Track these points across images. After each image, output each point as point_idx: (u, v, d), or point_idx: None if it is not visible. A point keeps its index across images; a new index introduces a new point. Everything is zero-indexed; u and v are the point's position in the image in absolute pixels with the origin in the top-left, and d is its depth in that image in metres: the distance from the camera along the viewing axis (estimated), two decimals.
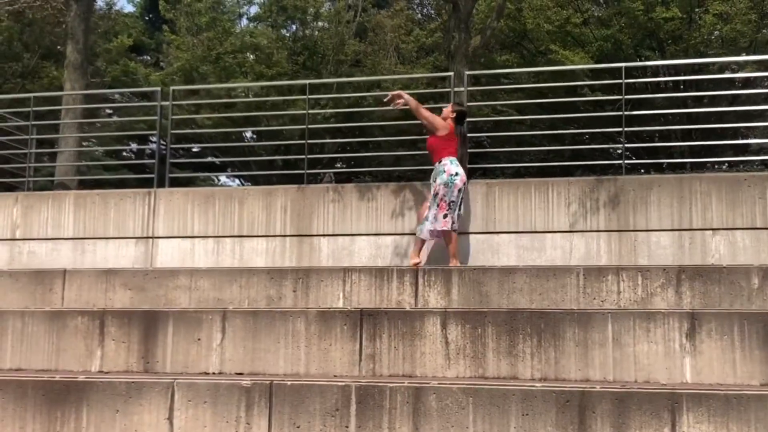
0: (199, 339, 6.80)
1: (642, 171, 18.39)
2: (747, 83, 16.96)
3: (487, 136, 16.92)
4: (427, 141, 9.13)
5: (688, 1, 18.29)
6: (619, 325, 6.29)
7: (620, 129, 9.70)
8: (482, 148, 15.69)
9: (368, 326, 6.64)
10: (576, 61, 17.51)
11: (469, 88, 10.28)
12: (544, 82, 15.43)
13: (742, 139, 19.44)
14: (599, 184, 9.13)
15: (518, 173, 17.70)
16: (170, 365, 6.77)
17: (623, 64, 10.15)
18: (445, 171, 8.73)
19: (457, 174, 8.71)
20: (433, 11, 27.16)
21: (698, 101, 15.03)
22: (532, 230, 9.20)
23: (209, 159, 20.09)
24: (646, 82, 16.49)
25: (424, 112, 9.04)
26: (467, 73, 10.37)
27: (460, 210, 8.85)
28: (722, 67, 17.02)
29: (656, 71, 18.23)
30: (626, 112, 9.62)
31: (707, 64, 14.57)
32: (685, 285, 7.20)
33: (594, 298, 7.33)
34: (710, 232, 8.77)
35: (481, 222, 9.32)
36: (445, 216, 8.65)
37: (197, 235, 9.99)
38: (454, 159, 8.84)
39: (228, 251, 9.87)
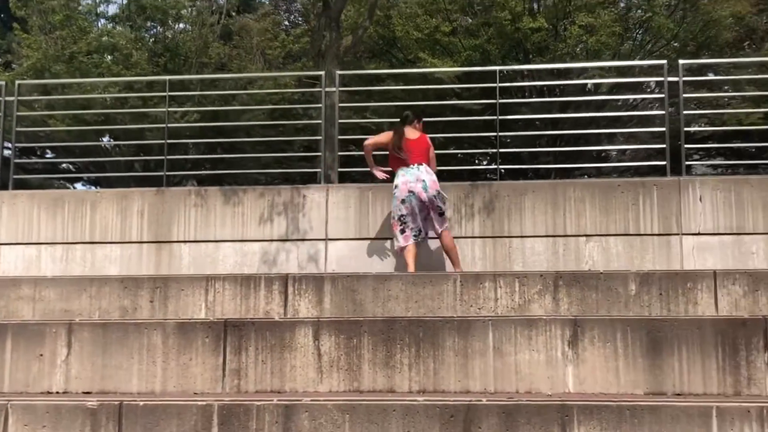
0: (41, 354, 6.09)
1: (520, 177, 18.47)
2: (611, 90, 17.28)
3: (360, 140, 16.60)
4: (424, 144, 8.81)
5: (554, 12, 18.52)
6: (501, 332, 6.00)
7: (494, 134, 9.51)
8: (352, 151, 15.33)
9: (233, 338, 6.11)
10: (447, 74, 17.40)
11: (341, 89, 9.88)
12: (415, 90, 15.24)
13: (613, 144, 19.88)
14: (474, 189, 8.89)
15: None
16: (8, 384, 6.04)
17: (497, 68, 9.99)
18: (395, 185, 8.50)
19: (396, 186, 8.43)
20: (300, 18, 26.73)
21: (566, 108, 15.16)
22: None
23: (60, 161, 18.99)
24: (518, 87, 16.55)
25: (370, 141, 8.88)
26: (339, 72, 9.98)
27: (422, 219, 8.44)
28: (586, 74, 17.29)
29: (528, 77, 18.37)
30: (500, 117, 9.45)
31: (575, 70, 14.73)
32: (562, 291, 6.99)
33: (471, 306, 7.03)
34: (584, 238, 8.66)
35: (354, 228, 8.92)
36: (402, 231, 8.36)
37: (44, 242, 9.17)
38: (400, 170, 8.52)
39: (78, 259, 9.11)
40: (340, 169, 9.93)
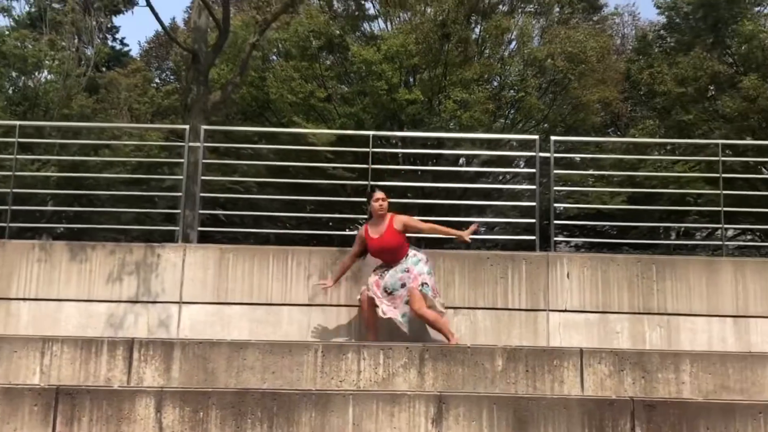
0: None
1: None
2: (484, 164, 17.51)
3: (226, 199, 16.08)
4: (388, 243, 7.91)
5: (429, 86, 18.69)
6: (361, 408, 5.62)
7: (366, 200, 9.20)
8: (217, 210, 14.83)
9: (65, 407, 5.50)
10: (319, 136, 17.24)
11: (206, 144, 9.42)
12: (288, 151, 14.92)
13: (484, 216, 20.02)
14: (342, 255, 8.53)
15: (263, 242, 16.93)
16: None
17: (371, 132, 9.75)
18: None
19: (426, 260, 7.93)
20: (172, 77, 26.21)
21: (439, 179, 15.17)
22: (269, 302, 8.38)
23: None
24: (391, 154, 16.49)
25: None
26: (204, 127, 9.52)
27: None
28: (460, 147, 17.43)
29: (401, 144, 18.39)
30: (372, 183, 9.17)
31: (449, 141, 14.75)
32: (428, 365, 6.68)
33: (332, 378, 6.62)
34: (452, 310, 8.39)
35: (212, 292, 8.38)
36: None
37: None
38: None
39: None
40: (200, 228, 9.41)
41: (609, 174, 17.61)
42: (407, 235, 7.93)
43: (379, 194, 7.99)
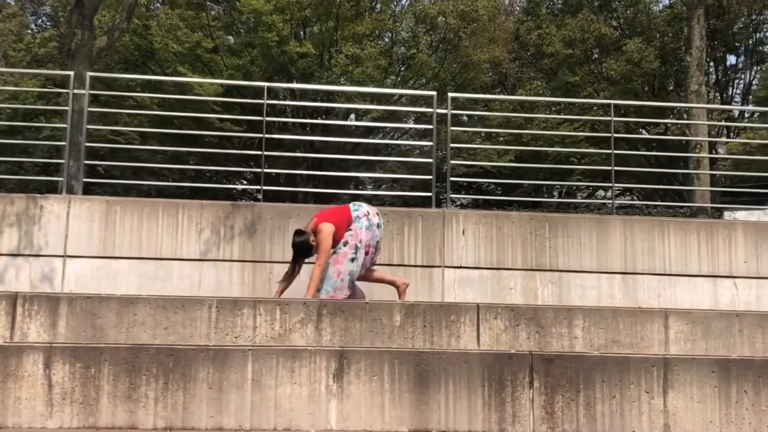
0: None
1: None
2: (380, 118, 17.40)
3: (111, 148, 15.49)
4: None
5: (321, 39, 18.41)
6: (261, 364, 5.48)
7: (260, 152, 8.99)
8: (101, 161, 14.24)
9: None
10: (206, 87, 16.74)
11: (91, 92, 8.98)
12: (174, 102, 14.45)
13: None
14: (236, 209, 8.31)
15: (146, 196, 16.43)
16: None
17: (265, 84, 9.46)
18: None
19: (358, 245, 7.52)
20: (49, 23, 24.97)
21: (329, 133, 15.04)
22: (158, 257, 8.11)
23: None
24: (285, 107, 16.20)
25: (320, 265, 7.41)
26: (90, 74, 9.05)
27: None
28: (350, 101, 17.26)
29: (291, 97, 18.07)
30: (267, 135, 8.96)
31: (344, 94, 14.58)
32: (326, 321, 6.57)
33: (227, 334, 6.44)
34: None
35: (98, 245, 8.05)
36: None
37: None
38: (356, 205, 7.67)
39: None
40: (85, 180, 8.99)
41: (499, 132, 17.83)
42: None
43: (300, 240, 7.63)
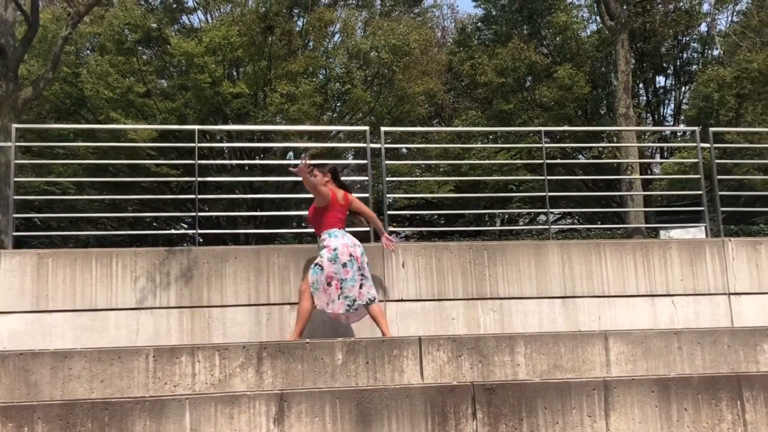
0: None
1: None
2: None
3: (42, 202, 15.22)
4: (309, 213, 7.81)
5: (254, 79, 18.39)
6: (199, 412, 5.37)
7: (193, 196, 8.89)
8: (32, 212, 14.01)
9: None
10: (140, 132, 16.60)
11: (18, 143, 8.81)
12: (108, 149, 14.28)
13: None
14: (171, 255, 8.18)
15: (83, 246, 16.16)
16: None
17: (196, 127, 9.39)
18: (325, 247, 7.48)
19: (335, 249, 7.46)
20: None
21: (269, 173, 14.98)
22: (93, 308, 7.93)
23: None
24: (218, 148, 16.11)
25: (312, 180, 7.51)
26: (15, 126, 8.88)
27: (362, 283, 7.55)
28: (290, 140, 17.24)
29: (227, 138, 17.99)
30: (200, 179, 8.87)
31: (278, 133, 14.55)
32: (266, 363, 6.48)
33: (166, 383, 6.31)
34: (288, 306, 8.24)
35: (30, 299, 7.85)
36: (339, 297, 7.46)
37: None
38: (335, 230, 7.62)
39: None
40: (15, 233, 8.79)
41: (437, 163, 17.95)
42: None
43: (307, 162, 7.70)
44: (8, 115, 9.57)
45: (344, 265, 7.56)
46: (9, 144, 8.67)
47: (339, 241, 7.62)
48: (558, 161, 12.46)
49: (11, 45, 10.14)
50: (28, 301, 7.85)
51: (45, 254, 8.03)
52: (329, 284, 7.53)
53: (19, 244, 8.80)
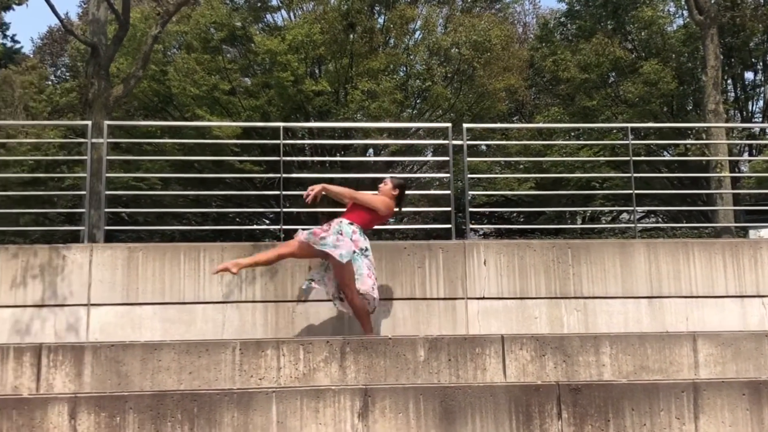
0: None
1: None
2: (397, 152, 17.46)
3: (130, 197, 15.63)
4: (361, 216, 7.72)
5: (336, 77, 18.53)
6: (285, 405, 5.46)
7: (277, 192, 9.02)
8: (124, 207, 14.42)
9: None
10: (224, 129, 16.91)
11: (110, 140, 9.06)
12: (194, 145, 14.56)
13: None
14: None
15: (169, 241, 16.54)
16: None
17: (281, 124, 9.52)
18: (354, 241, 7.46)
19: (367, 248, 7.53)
20: (68, 73, 25.37)
21: (347, 169, 15.07)
22: (181, 301, 8.12)
23: None
24: (302, 145, 16.28)
25: (362, 196, 7.62)
26: (107, 123, 9.15)
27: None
28: (371, 136, 17.34)
29: (308, 135, 18.18)
30: (285, 175, 9.00)
31: (360, 130, 14.64)
32: (349, 358, 6.54)
33: (251, 376, 6.42)
34: None
35: (121, 292, 8.07)
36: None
37: None
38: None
39: None
40: (107, 227, 9.04)
41: (517, 160, 17.83)
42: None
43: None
44: (100, 112, 9.85)
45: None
46: (102, 140, 8.92)
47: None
48: (644, 158, 12.21)
49: (103, 44, 10.45)
50: (119, 294, 8.07)
51: (135, 248, 8.25)
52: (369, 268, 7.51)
53: (108, 238, 9.05)
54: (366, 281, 7.42)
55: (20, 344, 6.62)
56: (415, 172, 20.10)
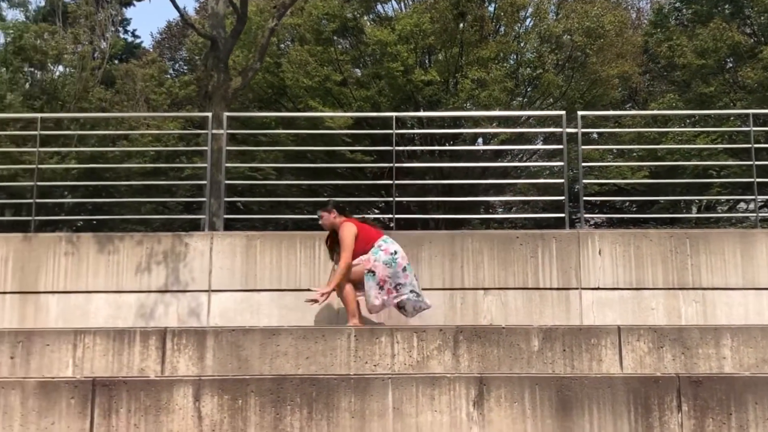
0: None
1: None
2: (509, 141, 17.32)
3: (246, 186, 16.02)
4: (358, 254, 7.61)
5: (446, 66, 18.52)
6: (401, 392, 5.54)
7: (390, 182, 9.10)
8: (239, 197, 14.82)
9: (102, 399, 5.44)
10: (336, 119, 17.15)
11: (229, 131, 9.32)
12: (306, 136, 14.83)
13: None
14: None
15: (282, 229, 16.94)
16: None
17: (393, 114, 9.60)
18: (382, 250, 7.55)
19: (395, 252, 7.57)
20: (186, 67, 26.13)
21: (460, 158, 15.08)
22: (297, 288, 8.30)
23: None
24: (413, 135, 16.36)
25: (347, 259, 7.52)
26: (227, 114, 9.42)
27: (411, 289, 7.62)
28: (482, 126, 17.28)
29: (418, 125, 18.24)
30: (397, 164, 9.07)
31: (471, 119, 14.61)
32: (462, 347, 6.57)
33: (366, 362, 6.53)
34: (482, 291, 8.30)
35: (240, 279, 8.31)
36: (395, 298, 7.53)
37: None
38: (386, 238, 7.70)
39: None
40: (226, 216, 9.31)
41: (631, 148, 17.45)
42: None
43: (319, 214, 7.89)
44: (219, 104, 10.15)
45: (404, 269, 7.53)
46: (221, 131, 9.19)
47: (395, 246, 7.62)
48: (766, 145, 11.83)
49: (222, 37, 10.75)
50: (238, 281, 8.31)
51: (253, 236, 8.48)
52: (381, 288, 7.48)
53: (228, 226, 9.32)
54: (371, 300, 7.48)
55: (146, 328, 6.91)
56: (526, 161, 19.91)
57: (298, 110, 18.71)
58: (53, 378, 5.91)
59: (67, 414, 5.44)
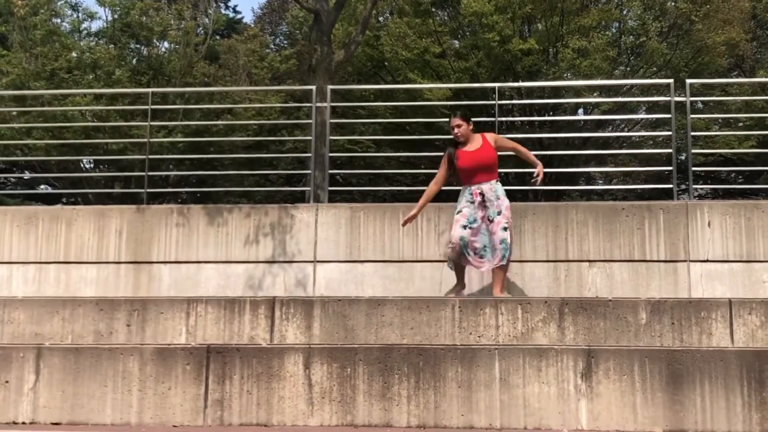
0: (7, 381, 5.59)
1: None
2: (613, 110, 16.96)
3: (345, 158, 16.19)
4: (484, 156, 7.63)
5: (546, 35, 18.23)
6: (508, 363, 5.55)
7: None
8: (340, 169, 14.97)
9: (216, 366, 5.64)
10: (435, 92, 17.09)
11: (332, 104, 9.43)
12: (405, 108, 14.84)
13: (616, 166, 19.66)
14: None
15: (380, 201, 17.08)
16: None
17: (496, 84, 9.56)
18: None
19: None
20: (286, 42, 26.42)
21: (556, 129, 14.86)
22: (400, 259, 8.39)
23: (40, 176, 18.41)
24: (514, 105, 16.20)
25: (520, 147, 7.95)
26: (330, 87, 9.53)
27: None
28: (577, 95, 16.99)
29: (516, 96, 18.04)
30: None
31: (573, 88, 14.37)
32: (568, 319, 6.54)
33: (471, 333, 6.57)
34: (587, 263, 8.22)
35: (345, 250, 8.45)
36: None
37: (15, 261, 8.66)
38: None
39: (52, 280, 8.58)
40: (330, 188, 9.46)
41: (736, 117, 16.91)
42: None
43: (454, 121, 7.77)
44: (323, 77, 10.26)
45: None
46: (325, 104, 9.30)
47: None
48: None
49: (325, 10, 10.84)
50: (342, 251, 8.44)
51: (357, 208, 8.59)
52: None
53: (331, 198, 9.46)
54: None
55: (255, 297, 7.09)
56: (629, 131, 19.49)
57: (397, 83, 18.72)
58: (169, 345, 6.14)
59: (183, 380, 5.64)
